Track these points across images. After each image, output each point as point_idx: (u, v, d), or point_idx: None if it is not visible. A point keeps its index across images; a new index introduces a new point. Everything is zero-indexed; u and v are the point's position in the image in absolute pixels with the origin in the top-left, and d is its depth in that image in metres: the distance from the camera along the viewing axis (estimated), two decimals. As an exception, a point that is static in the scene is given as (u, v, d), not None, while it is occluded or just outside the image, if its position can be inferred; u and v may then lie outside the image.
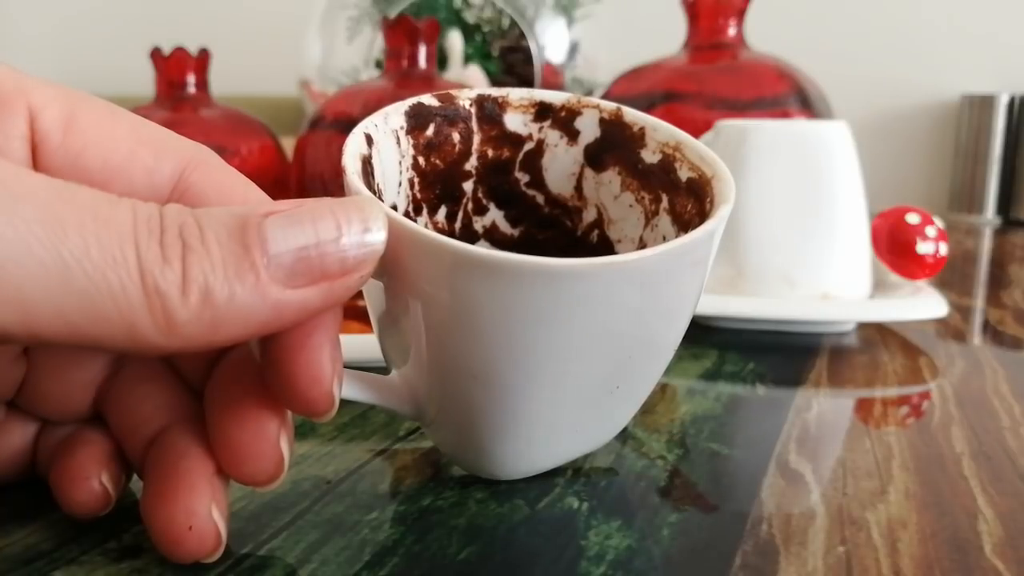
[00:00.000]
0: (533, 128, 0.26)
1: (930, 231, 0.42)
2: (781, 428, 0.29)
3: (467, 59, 0.99)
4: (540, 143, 0.26)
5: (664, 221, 0.24)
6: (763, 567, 0.20)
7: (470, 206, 0.27)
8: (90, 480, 0.20)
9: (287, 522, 0.21)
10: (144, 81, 0.66)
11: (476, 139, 0.26)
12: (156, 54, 0.59)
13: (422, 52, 0.58)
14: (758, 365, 0.37)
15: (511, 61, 1.02)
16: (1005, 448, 0.27)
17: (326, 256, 0.16)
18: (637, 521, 0.22)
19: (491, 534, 0.21)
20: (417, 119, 0.25)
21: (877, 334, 0.42)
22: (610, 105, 0.26)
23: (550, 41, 1.01)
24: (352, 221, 0.17)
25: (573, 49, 1.03)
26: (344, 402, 0.20)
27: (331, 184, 0.56)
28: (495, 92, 0.26)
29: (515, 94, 0.26)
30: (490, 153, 0.26)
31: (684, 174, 0.24)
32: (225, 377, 0.20)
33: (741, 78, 0.62)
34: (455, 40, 0.96)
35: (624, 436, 0.27)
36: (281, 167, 0.61)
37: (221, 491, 0.19)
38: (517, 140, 0.26)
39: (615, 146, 0.26)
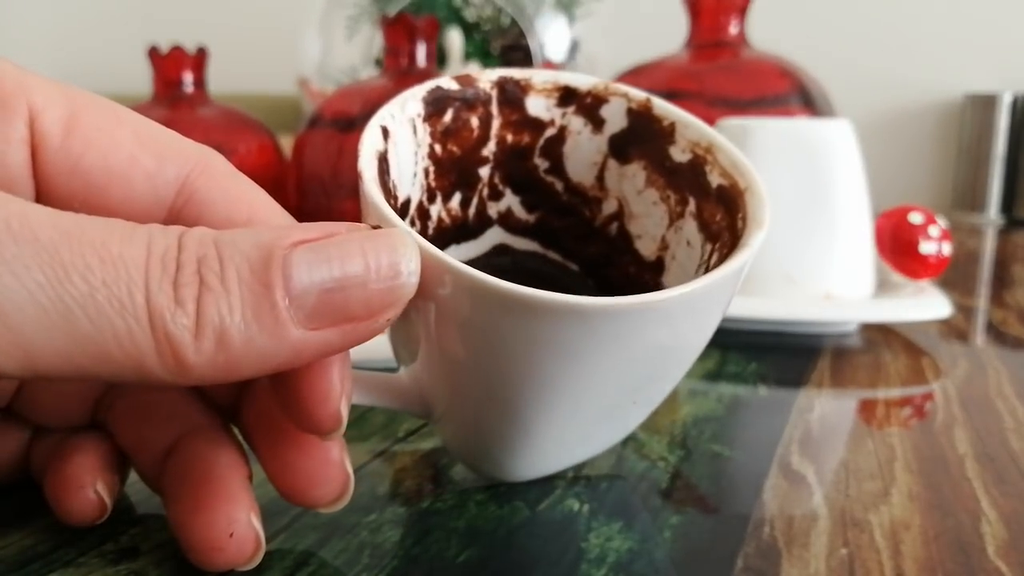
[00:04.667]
0: (556, 113, 0.25)
1: (933, 231, 0.42)
2: (783, 429, 0.29)
3: (467, 57, 0.99)
4: (562, 129, 0.25)
5: (690, 225, 0.23)
6: (765, 569, 0.20)
7: (485, 192, 0.26)
8: (84, 489, 0.20)
9: (285, 524, 0.21)
10: (141, 80, 0.66)
11: (495, 123, 0.25)
12: (153, 53, 0.59)
13: (421, 50, 0.58)
14: (760, 366, 0.36)
15: (511, 59, 1.01)
16: (1008, 449, 0.27)
17: (351, 299, 0.16)
18: (638, 523, 0.22)
19: (491, 536, 0.21)
20: (435, 104, 0.24)
21: (880, 334, 0.42)
22: (639, 94, 0.25)
23: (550, 39, 1.01)
24: (382, 263, 0.16)
25: (573, 47, 1.03)
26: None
27: (329, 184, 0.56)
28: (517, 74, 0.25)
29: (539, 77, 0.25)
30: (509, 138, 0.25)
31: (715, 180, 0.22)
32: (267, 404, 0.20)
33: (743, 76, 0.61)
34: (454, 38, 0.96)
35: (625, 438, 0.27)
36: (279, 166, 0.61)
37: (253, 497, 0.19)
38: (538, 125, 0.25)
39: (642, 139, 0.24)
